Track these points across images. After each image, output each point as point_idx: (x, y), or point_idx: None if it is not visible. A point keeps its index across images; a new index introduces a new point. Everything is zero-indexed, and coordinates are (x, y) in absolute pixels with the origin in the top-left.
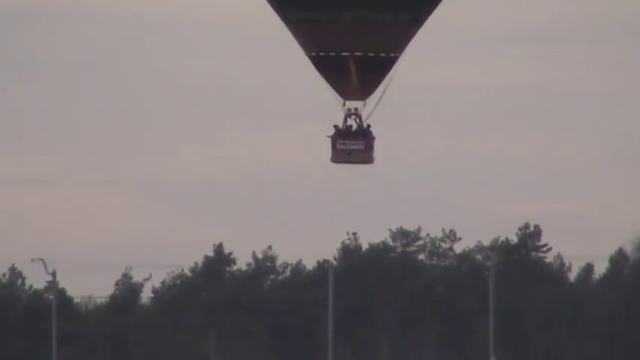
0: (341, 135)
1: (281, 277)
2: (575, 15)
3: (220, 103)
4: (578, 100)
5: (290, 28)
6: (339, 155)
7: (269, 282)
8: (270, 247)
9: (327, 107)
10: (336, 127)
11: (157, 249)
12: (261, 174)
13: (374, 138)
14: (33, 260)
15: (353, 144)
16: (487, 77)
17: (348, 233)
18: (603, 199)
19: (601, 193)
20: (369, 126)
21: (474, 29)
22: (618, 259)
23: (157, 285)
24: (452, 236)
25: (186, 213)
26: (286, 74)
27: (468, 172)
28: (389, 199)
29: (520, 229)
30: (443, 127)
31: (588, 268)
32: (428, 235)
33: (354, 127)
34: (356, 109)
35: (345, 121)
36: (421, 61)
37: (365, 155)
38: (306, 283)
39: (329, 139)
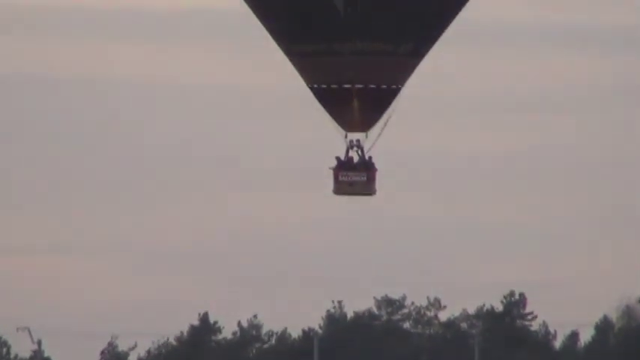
0: (343, 167)
1: (266, 345)
2: (568, 81)
3: (205, 167)
4: (562, 167)
5: (292, 60)
6: (342, 187)
7: (254, 351)
8: (255, 316)
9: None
10: (338, 158)
11: (142, 318)
12: (246, 242)
13: (376, 170)
14: (18, 329)
15: (355, 176)
16: (470, 143)
17: (333, 301)
18: (588, 266)
19: (586, 260)
20: (370, 158)
21: (465, 94)
22: (604, 327)
23: (143, 354)
24: (437, 304)
25: (171, 281)
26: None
27: (452, 240)
28: (373, 267)
29: (505, 297)
30: (426, 194)
31: (574, 336)
32: (413, 303)
33: (356, 158)
34: (358, 140)
35: (347, 152)
36: (407, 125)
37: (367, 187)
38: (292, 352)
39: (331, 172)
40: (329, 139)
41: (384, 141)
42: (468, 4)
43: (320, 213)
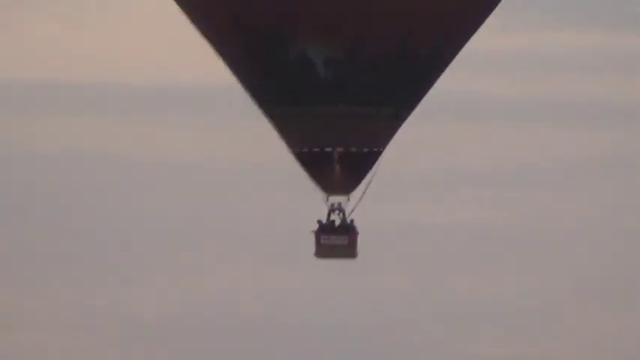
0: (324, 230)
1: None
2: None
3: (179, 238)
4: (545, 243)
5: (272, 123)
6: (323, 250)
7: None
8: None
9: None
10: (319, 221)
11: None
12: (222, 315)
13: (357, 233)
14: None
15: (337, 239)
16: (450, 217)
17: None
18: (576, 342)
19: (575, 336)
20: (352, 221)
21: (443, 168)
22: None
23: None
24: None
25: (148, 356)
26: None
27: (437, 315)
28: (354, 343)
29: None
30: (409, 268)
31: None
32: None
33: (338, 222)
34: (339, 203)
35: (329, 216)
36: (386, 197)
37: (348, 250)
38: None
39: (312, 235)
40: (310, 202)
41: (364, 206)
42: (445, 75)
43: (298, 287)
